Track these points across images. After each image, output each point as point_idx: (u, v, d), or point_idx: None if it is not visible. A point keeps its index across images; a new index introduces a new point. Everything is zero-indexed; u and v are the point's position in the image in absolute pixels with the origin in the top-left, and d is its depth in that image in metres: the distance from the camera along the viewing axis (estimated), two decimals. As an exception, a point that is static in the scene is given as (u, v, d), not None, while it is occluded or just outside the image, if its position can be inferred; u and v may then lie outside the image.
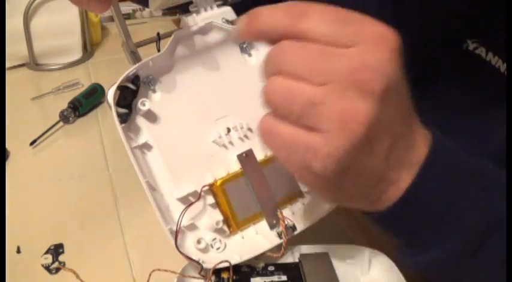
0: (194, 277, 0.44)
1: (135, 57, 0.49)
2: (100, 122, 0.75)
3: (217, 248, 0.46)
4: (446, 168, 0.36)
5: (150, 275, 0.45)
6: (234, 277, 0.44)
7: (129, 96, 0.47)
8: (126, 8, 1.15)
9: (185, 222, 0.46)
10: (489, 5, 0.47)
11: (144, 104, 0.46)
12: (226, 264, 0.44)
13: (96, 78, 0.87)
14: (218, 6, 0.49)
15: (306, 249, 0.47)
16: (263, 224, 0.48)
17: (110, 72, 0.89)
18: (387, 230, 0.39)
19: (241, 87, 0.50)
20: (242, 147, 0.49)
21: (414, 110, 0.36)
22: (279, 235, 0.46)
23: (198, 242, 0.45)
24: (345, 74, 0.30)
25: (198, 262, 0.44)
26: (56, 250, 0.52)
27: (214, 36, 0.49)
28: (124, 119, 0.47)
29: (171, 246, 0.52)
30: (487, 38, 0.47)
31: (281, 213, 0.47)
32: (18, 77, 0.89)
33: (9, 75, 0.88)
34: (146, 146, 0.48)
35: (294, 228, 0.47)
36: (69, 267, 0.50)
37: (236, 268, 0.45)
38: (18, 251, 0.53)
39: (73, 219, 0.57)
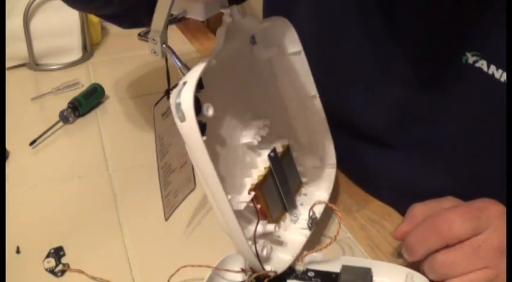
0: (233, 271, 0.44)
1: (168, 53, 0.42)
2: (100, 122, 0.75)
3: (267, 255, 0.46)
4: None
5: (178, 269, 0.45)
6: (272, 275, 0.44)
7: (197, 104, 0.39)
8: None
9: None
10: (487, 16, 0.46)
11: (208, 109, 0.41)
12: (281, 269, 0.45)
13: (96, 78, 0.87)
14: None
15: (350, 261, 0.47)
16: (286, 221, 0.50)
17: (109, 72, 0.89)
18: None
19: (251, 79, 0.51)
20: (264, 145, 0.50)
21: None
22: (309, 227, 0.49)
23: (262, 249, 0.45)
24: (494, 253, 0.42)
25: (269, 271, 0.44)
26: (57, 253, 0.52)
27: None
28: (203, 131, 0.38)
29: (171, 246, 0.52)
30: (487, 50, 0.47)
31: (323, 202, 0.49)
32: (18, 77, 0.88)
33: (9, 75, 0.88)
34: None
35: (315, 217, 0.49)
36: (74, 268, 0.50)
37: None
38: (18, 251, 0.52)
39: (73, 220, 0.57)
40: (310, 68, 0.51)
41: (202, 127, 0.38)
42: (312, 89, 0.52)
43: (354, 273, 0.45)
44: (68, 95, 0.79)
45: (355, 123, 0.60)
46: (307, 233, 0.49)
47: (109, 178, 0.63)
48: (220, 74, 0.46)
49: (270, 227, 0.46)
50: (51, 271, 0.50)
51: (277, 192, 0.49)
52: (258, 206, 0.45)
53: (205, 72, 0.40)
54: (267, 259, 0.46)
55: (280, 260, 0.46)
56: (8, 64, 0.89)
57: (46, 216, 0.57)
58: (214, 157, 0.43)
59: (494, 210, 0.44)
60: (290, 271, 0.45)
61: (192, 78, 0.38)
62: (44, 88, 0.83)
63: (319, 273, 0.46)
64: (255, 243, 0.43)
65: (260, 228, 0.45)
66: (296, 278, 0.45)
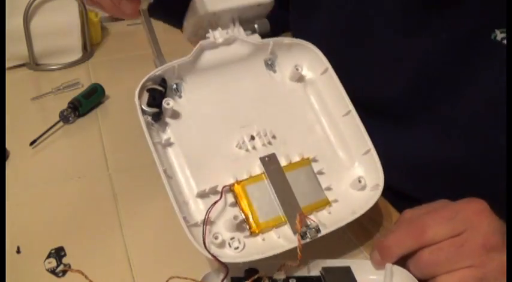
0: None
1: (162, 62, 0.51)
2: (100, 122, 0.75)
3: (236, 248, 0.45)
4: None
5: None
6: None
7: (158, 97, 0.49)
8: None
9: (202, 217, 0.45)
10: None
11: (168, 103, 0.48)
12: (243, 260, 0.44)
13: (96, 78, 0.87)
14: (247, 34, 0.53)
15: (327, 263, 0.47)
16: (286, 229, 0.47)
17: (110, 72, 0.89)
18: None
19: (266, 98, 0.53)
20: (265, 153, 0.50)
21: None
22: (302, 236, 0.45)
23: (215, 237, 0.44)
24: (478, 251, 0.43)
25: (223, 263, 0.43)
26: (58, 253, 0.52)
27: (239, 49, 0.53)
28: (156, 118, 0.49)
29: (171, 246, 0.52)
30: None
31: (303, 214, 0.46)
32: (18, 77, 0.88)
33: (9, 75, 0.88)
34: (168, 143, 0.49)
35: (318, 230, 0.45)
36: (74, 268, 0.50)
37: (258, 279, 0.44)
38: (18, 251, 0.52)
39: (73, 220, 0.57)
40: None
41: (154, 115, 0.48)
42: (346, 104, 0.52)
43: (336, 273, 0.46)
44: (68, 95, 0.79)
45: (375, 97, 0.61)
46: (294, 241, 0.45)
47: (109, 178, 0.63)
48: (224, 83, 0.52)
49: (237, 219, 0.45)
50: (53, 271, 0.50)
51: (273, 198, 0.48)
52: (220, 197, 0.46)
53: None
54: (221, 246, 0.45)
55: (248, 257, 0.44)
56: (8, 64, 0.89)
57: (46, 216, 0.57)
58: (181, 141, 0.49)
59: (472, 208, 0.45)
60: (272, 281, 0.45)
61: (146, 76, 0.48)
62: (44, 88, 0.83)
63: (300, 279, 0.46)
64: (204, 224, 0.44)
65: (227, 222, 0.46)
66: None
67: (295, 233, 0.46)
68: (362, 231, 0.54)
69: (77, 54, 0.93)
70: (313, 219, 0.47)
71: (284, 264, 0.45)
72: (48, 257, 0.52)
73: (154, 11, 0.61)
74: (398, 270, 0.46)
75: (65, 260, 0.51)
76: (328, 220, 0.48)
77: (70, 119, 0.75)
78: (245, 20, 0.53)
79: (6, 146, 0.67)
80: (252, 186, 0.48)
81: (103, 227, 0.56)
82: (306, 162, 0.50)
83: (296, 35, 0.66)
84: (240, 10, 0.52)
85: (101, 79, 0.83)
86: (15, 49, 0.88)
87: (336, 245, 0.51)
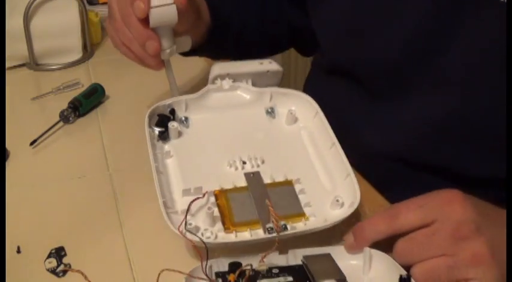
0: (202, 278, 0.45)
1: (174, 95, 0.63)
2: (100, 122, 0.75)
3: (208, 237, 0.48)
4: None
5: (159, 275, 0.45)
6: (240, 280, 0.45)
7: (165, 120, 0.59)
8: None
9: (182, 207, 0.50)
10: None
11: (173, 125, 0.58)
12: (210, 241, 0.47)
13: (96, 78, 0.87)
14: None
15: (307, 252, 0.48)
16: (260, 232, 0.50)
17: (110, 72, 0.89)
18: None
19: (263, 136, 0.60)
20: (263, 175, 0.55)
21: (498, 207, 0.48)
22: (269, 231, 0.48)
23: (189, 224, 0.48)
24: (448, 241, 0.44)
25: (200, 239, 0.46)
26: (58, 253, 0.52)
27: (242, 95, 0.63)
28: (161, 136, 0.58)
29: (171, 246, 0.52)
30: None
31: (274, 213, 0.48)
32: (18, 77, 0.88)
33: (9, 75, 0.88)
34: (167, 155, 0.57)
35: (285, 227, 0.49)
36: (75, 268, 0.50)
37: (241, 272, 0.45)
38: (19, 251, 0.53)
39: (73, 220, 0.57)
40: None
41: (162, 134, 0.58)
42: (331, 139, 0.57)
43: (318, 261, 0.47)
44: (68, 95, 0.79)
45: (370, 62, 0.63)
46: (267, 236, 0.48)
47: (109, 178, 0.63)
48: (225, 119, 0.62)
49: (210, 210, 0.49)
50: (53, 271, 0.50)
51: (251, 206, 0.51)
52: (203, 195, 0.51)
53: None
54: (195, 231, 0.48)
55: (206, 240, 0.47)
56: (8, 64, 0.89)
57: (46, 216, 0.57)
58: (178, 154, 0.58)
59: (444, 197, 0.47)
60: (255, 274, 0.46)
61: (155, 105, 0.59)
62: (44, 88, 0.83)
63: (282, 269, 0.47)
64: (186, 213, 0.48)
65: (204, 215, 0.50)
66: (264, 277, 0.46)
67: (265, 231, 0.49)
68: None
69: (77, 54, 0.93)
70: (284, 221, 0.49)
71: (265, 254, 0.46)
72: (49, 256, 0.52)
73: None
74: (377, 254, 0.48)
75: (65, 260, 0.51)
76: (301, 228, 0.51)
77: (70, 119, 0.75)
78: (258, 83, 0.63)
79: (6, 146, 0.67)
80: (234, 194, 0.52)
81: (103, 227, 0.56)
82: (289, 182, 0.55)
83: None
84: (250, 75, 0.62)
85: (101, 79, 0.83)
86: (15, 49, 0.88)
87: (318, 234, 0.52)
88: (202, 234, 0.48)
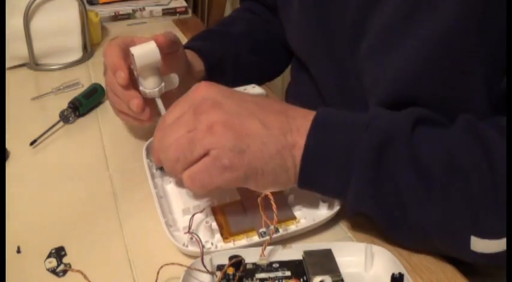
0: (202, 271, 0.46)
1: None
2: (100, 122, 0.75)
3: (208, 248, 0.50)
4: (329, 123, 0.49)
5: (158, 272, 0.46)
6: (240, 273, 0.46)
7: None
8: (126, 8, 1.15)
9: (184, 224, 0.52)
10: None
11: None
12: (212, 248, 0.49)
13: (96, 78, 0.87)
14: None
15: (309, 247, 0.49)
16: (256, 238, 0.52)
17: (110, 72, 0.89)
18: (317, 191, 0.51)
19: None
20: None
21: (287, 104, 0.53)
22: (262, 235, 0.51)
23: (190, 238, 0.50)
24: (191, 118, 0.50)
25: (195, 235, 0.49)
26: (58, 253, 0.52)
27: None
28: (161, 168, 0.60)
29: (171, 246, 0.52)
30: None
31: (266, 217, 0.50)
32: (18, 77, 0.89)
33: (9, 75, 0.88)
34: (166, 181, 0.60)
35: (277, 230, 0.51)
36: (75, 268, 0.50)
37: (240, 265, 0.46)
38: (19, 251, 0.53)
39: (73, 219, 0.57)
40: None
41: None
42: None
43: (317, 256, 0.48)
44: (68, 95, 0.79)
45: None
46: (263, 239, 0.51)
47: (109, 178, 0.63)
48: None
49: (208, 223, 0.52)
50: (53, 271, 0.50)
51: (246, 216, 0.54)
52: (201, 211, 0.54)
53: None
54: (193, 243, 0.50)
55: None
56: (8, 64, 0.89)
57: (46, 216, 0.57)
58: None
59: (191, 89, 0.52)
60: (255, 267, 0.47)
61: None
62: (44, 88, 0.83)
63: (283, 264, 0.48)
64: (190, 225, 0.51)
65: (204, 229, 0.52)
66: (263, 271, 0.47)
67: (260, 236, 0.52)
68: (361, 230, 0.54)
69: (77, 54, 0.93)
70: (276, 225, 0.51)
71: (264, 246, 0.48)
72: (49, 256, 0.52)
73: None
74: (379, 250, 0.48)
75: (65, 260, 0.51)
76: (292, 229, 0.53)
77: (70, 119, 0.75)
78: None
79: (6, 146, 0.68)
80: (230, 207, 0.55)
81: (103, 227, 0.56)
82: (280, 192, 0.55)
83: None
84: None
85: (101, 79, 0.82)
86: (15, 49, 0.88)
87: (321, 229, 0.54)
88: (204, 246, 0.49)
